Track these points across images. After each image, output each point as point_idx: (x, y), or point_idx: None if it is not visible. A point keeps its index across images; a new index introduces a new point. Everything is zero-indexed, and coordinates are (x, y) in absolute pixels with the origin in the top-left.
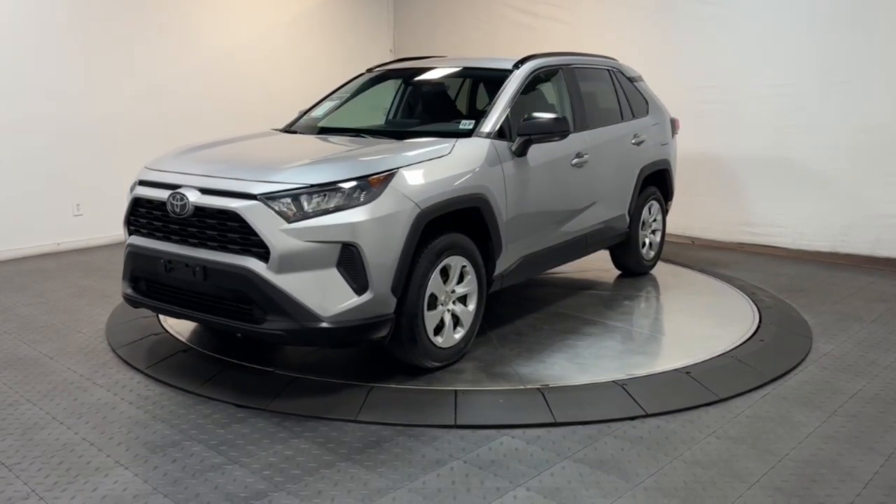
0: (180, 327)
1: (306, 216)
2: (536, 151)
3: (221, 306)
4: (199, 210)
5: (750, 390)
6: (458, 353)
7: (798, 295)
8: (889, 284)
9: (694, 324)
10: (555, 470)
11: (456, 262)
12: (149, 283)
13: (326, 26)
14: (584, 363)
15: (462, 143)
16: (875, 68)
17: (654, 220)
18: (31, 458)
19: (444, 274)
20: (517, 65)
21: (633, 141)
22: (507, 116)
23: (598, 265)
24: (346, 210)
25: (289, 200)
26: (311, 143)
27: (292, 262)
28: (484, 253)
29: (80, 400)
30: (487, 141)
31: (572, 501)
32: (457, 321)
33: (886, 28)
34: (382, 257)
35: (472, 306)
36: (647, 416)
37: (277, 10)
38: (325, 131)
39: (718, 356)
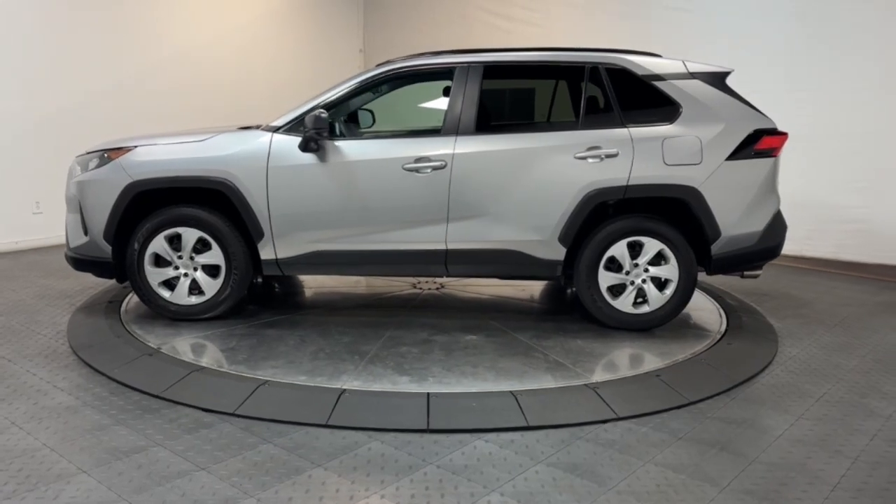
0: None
1: (84, 173)
2: (347, 149)
3: None
4: None
5: (719, 393)
6: (192, 315)
7: (764, 299)
8: (850, 289)
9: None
10: (528, 474)
11: (189, 234)
12: None
13: (296, 25)
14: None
15: (227, 134)
16: (840, 79)
17: (657, 266)
18: None
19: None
20: (379, 66)
21: (578, 154)
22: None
23: None
24: (87, 172)
25: (85, 162)
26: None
27: (69, 204)
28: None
29: (40, 404)
30: (266, 134)
31: None
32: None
33: (850, 41)
34: (94, 211)
35: (218, 280)
36: (618, 419)
37: (244, 7)
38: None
39: (688, 360)
